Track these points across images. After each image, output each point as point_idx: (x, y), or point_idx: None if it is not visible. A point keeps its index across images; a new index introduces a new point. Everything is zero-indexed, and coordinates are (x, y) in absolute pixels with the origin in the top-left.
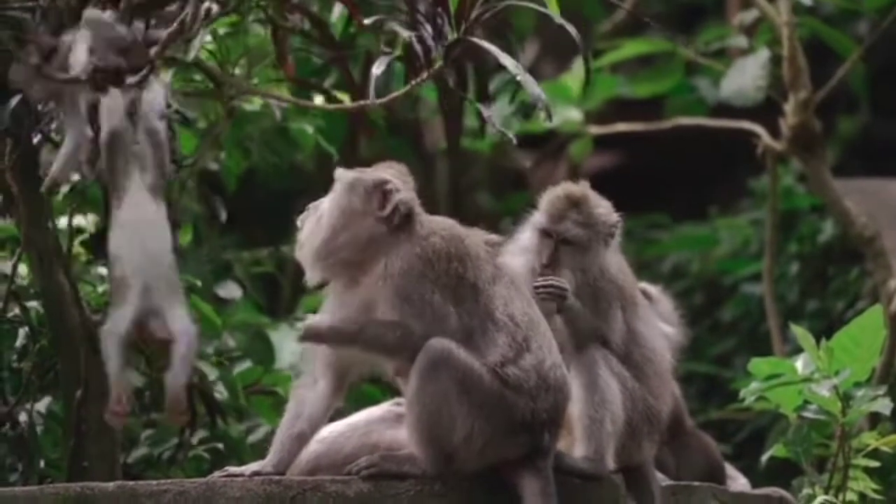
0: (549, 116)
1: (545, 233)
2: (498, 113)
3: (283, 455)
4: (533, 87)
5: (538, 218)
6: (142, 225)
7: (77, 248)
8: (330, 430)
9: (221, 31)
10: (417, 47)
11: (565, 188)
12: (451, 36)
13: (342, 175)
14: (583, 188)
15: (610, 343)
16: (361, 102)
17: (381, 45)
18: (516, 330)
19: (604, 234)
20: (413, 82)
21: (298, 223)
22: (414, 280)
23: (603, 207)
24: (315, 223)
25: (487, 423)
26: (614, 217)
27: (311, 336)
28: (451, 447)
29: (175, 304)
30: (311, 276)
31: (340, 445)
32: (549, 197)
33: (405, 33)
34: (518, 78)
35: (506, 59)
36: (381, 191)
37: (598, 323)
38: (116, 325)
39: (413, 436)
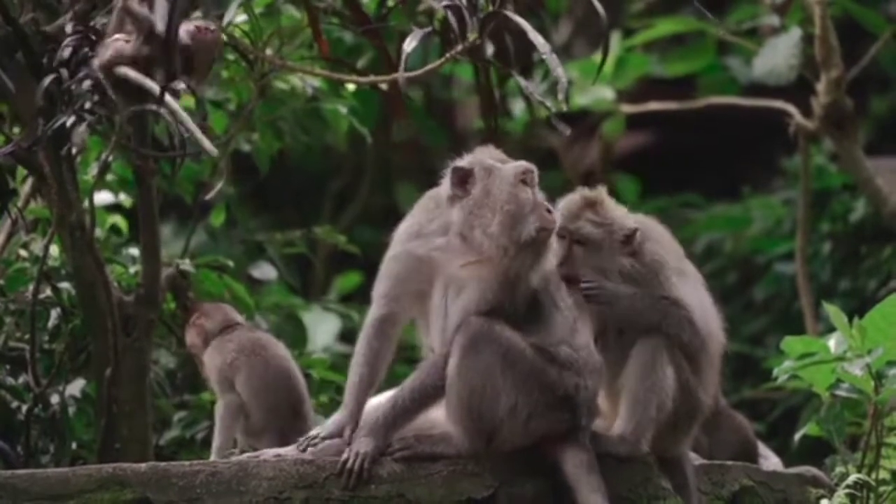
0: (567, 100)
1: (559, 233)
2: (536, 90)
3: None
4: (557, 69)
5: None
6: None
7: (108, 228)
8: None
9: (257, 10)
10: (452, 19)
11: (581, 191)
12: (486, 9)
13: None
14: (600, 193)
15: (685, 309)
16: (396, 75)
17: (414, 25)
18: (569, 312)
19: (618, 238)
20: (448, 54)
21: None
22: None
23: (619, 212)
24: None
25: (531, 397)
26: (630, 223)
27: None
28: (494, 422)
29: None
30: None
31: None
32: (566, 198)
33: (439, 4)
34: (544, 57)
35: (535, 37)
36: None
37: (660, 292)
38: None
39: (453, 413)
